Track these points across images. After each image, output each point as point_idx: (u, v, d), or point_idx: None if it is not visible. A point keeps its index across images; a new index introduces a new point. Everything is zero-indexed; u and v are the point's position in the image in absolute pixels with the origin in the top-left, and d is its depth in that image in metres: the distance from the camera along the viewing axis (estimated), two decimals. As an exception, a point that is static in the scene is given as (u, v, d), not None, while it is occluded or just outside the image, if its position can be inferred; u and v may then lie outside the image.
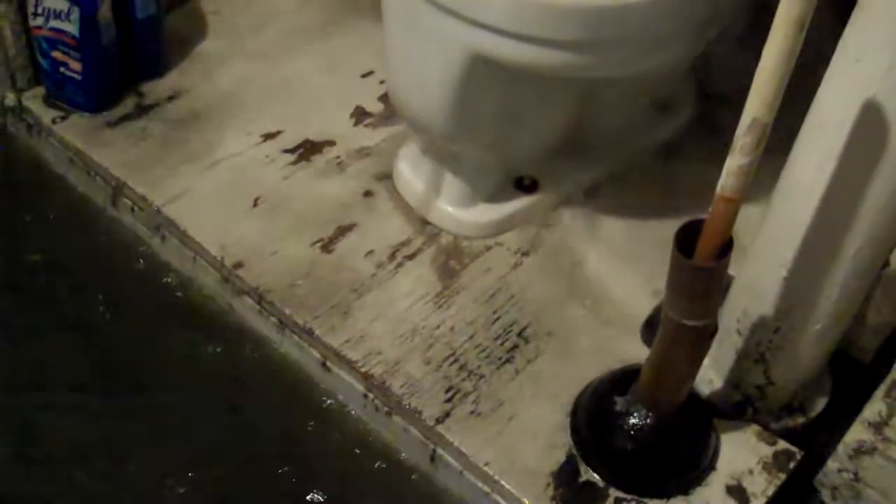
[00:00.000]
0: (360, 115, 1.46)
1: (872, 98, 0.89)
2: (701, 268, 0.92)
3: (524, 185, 1.34)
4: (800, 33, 0.77)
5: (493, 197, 1.32)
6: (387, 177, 1.38)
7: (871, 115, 0.90)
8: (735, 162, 0.86)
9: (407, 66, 1.16)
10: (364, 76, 1.51)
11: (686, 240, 0.93)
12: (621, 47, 1.06)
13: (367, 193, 1.36)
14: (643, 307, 1.24)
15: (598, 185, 1.39)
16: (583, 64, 1.07)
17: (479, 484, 1.09)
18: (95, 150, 1.37)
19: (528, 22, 1.01)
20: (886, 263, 1.12)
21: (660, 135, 1.46)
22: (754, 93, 0.81)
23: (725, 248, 0.91)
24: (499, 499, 1.08)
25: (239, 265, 1.25)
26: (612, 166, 1.41)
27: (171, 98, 1.45)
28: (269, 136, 1.42)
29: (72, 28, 1.33)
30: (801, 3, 0.75)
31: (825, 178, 0.96)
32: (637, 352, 1.17)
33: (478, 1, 1.01)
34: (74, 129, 1.40)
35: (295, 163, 1.38)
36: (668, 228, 0.92)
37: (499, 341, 1.20)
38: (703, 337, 0.99)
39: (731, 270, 0.98)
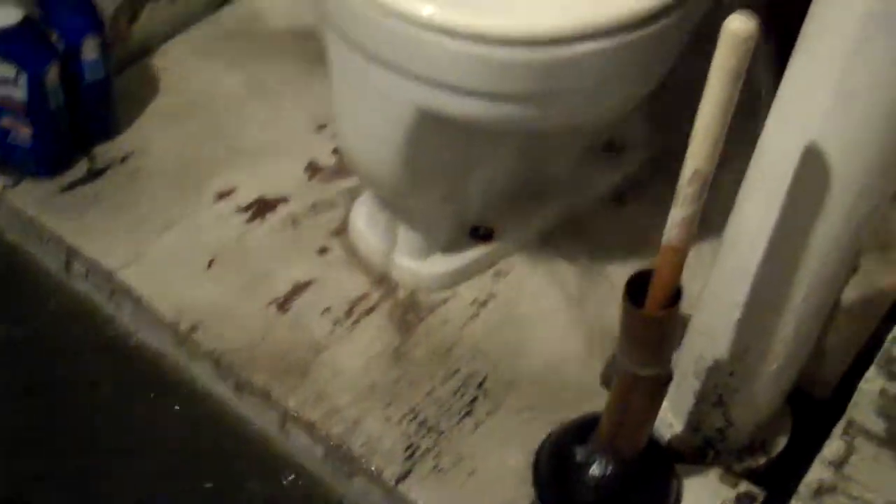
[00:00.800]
0: (313, 169, 1.46)
1: (814, 141, 0.90)
2: (651, 318, 0.92)
3: (479, 234, 1.35)
4: (736, 83, 0.77)
5: (449, 247, 1.32)
6: (342, 231, 1.37)
7: (813, 158, 0.90)
8: (679, 213, 0.86)
9: (355, 122, 1.17)
10: (318, 129, 1.51)
11: (636, 290, 0.93)
12: (570, 97, 1.07)
13: (323, 250, 1.35)
14: (602, 353, 1.25)
15: (554, 231, 1.40)
16: (532, 115, 1.07)
17: (443, 541, 1.08)
18: (47, 217, 1.36)
19: (474, 76, 1.02)
20: (838, 303, 1.13)
21: (614, 177, 1.46)
22: (694, 144, 0.82)
23: (675, 296, 0.92)
24: (463, 555, 1.07)
25: (194, 328, 1.24)
26: (567, 211, 1.41)
27: (123, 160, 1.44)
28: (222, 195, 1.41)
29: (19, 94, 1.32)
30: (736, 54, 0.75)
31: (771, 222, 0.96)
32: (597, 398, 1.17)
33: (423, 56, 1.02)
34: (26, 196, 1.39)
35: (249, 221, 1.38)
36: (625, 272, 0.92)
37: (458, 394, 1.20)
38: (658, 385, 0.99)
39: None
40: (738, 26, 0.74)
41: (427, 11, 0.99)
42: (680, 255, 0.89)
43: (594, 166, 1.44)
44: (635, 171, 1.47)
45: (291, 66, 1.58)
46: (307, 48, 1.56)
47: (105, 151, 1.45)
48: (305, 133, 1.51)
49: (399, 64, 1.02)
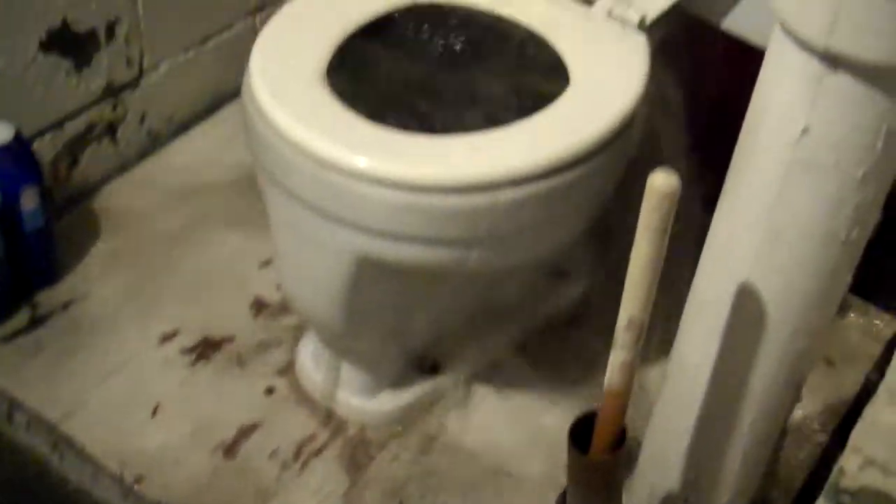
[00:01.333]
0: (259, 306, 1.46)
1: (746, 280, 0.91)
2: (597, 462, 0.92)
3: (427, 367, 1.34)
4: (663, 236, 0.79)
5: (397, 382, 1.32)
6: (288, 370, 1.36)
7: (747, 297, 0.91)
8: (618, 359, 0.87)
9: (295, 268, 1.17)
10: (262, 266, 1.51)
11: (581, 434, 0.93)
12: (506, 240, 1.08)
13: (269, 390, 1.34)
14: (557, 485, 1.23)
15: (502, 360, 1.39)
16: (471, 258, 1.08)
17: None
18: (-12, 369, 1.34)
19: (410, 223, 1.03)
20: (785, 427, 1.13)
21: (561, 302, 1.47)
22: (628, 293, 0.83)
23: (619, 439, 0.92)
24: None
25: (140, 479, 1.22)
26: (515, 339, 1.41)
27: (66, 306, 1.43)
28: (166, 337, 1.40)
29: (-42, 246, 1.32)
30: (660, 210, 0.77)
31: (711, 357, 0.97)
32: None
33: (358, 205, 1.02)
34: (-34, 348, 1.37)
35: (193, 363, 1.37)
36: (573, 401, 0.92)
37: (410, 536, 1.18)
38: (609, 526, 0.98)
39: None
40: (661, 183, 0.75)
41: (362, 163, 1.00)
42: (622, 398, 0.89)
43: (540, 292, 1.45)
44: (582, 295, 1.48)
45: (233, 202, 1.58)
46: (249, 184, 1.56)
47: (47, 298, 1.43)
48: (250, 269, 1.50)
49: (335, 213, 1.03)
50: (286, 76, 1.08)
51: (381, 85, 1.12)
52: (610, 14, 1.21)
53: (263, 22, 1.63)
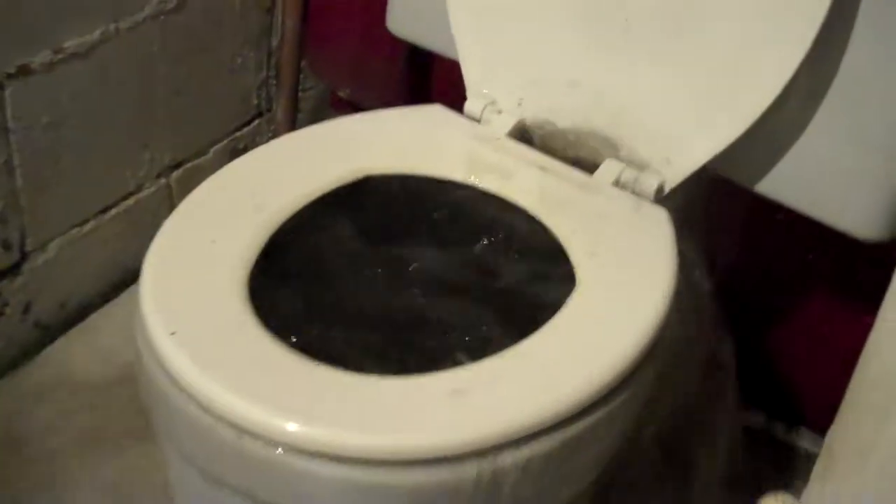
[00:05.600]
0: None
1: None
2: None
3: None
4: None
5: None
6: None
7: None
8: None
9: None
10: (160, 490, 1.20)
11: None
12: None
13: None
14: None
15: None
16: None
17: None
18: None
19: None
20: None
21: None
22: None
23: None
24: None
25: None
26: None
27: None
28: None
29: None
30: None
31: None
32: None
33: (293, 486, 0.73)
34: None
35: None
36: None
37: None
38: None
39: None
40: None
41: (293, 427, 0.70)
42: None
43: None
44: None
45: (132, 412, 1.29)
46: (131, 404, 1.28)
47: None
48: (147, 494, 1.23)
49: (260, 495, 0.73)
50: (192, 293, 0.79)
51: (324, 302, 0.82)
52: (618, 183, 0.94)
53: (179, 182, 1.38)
